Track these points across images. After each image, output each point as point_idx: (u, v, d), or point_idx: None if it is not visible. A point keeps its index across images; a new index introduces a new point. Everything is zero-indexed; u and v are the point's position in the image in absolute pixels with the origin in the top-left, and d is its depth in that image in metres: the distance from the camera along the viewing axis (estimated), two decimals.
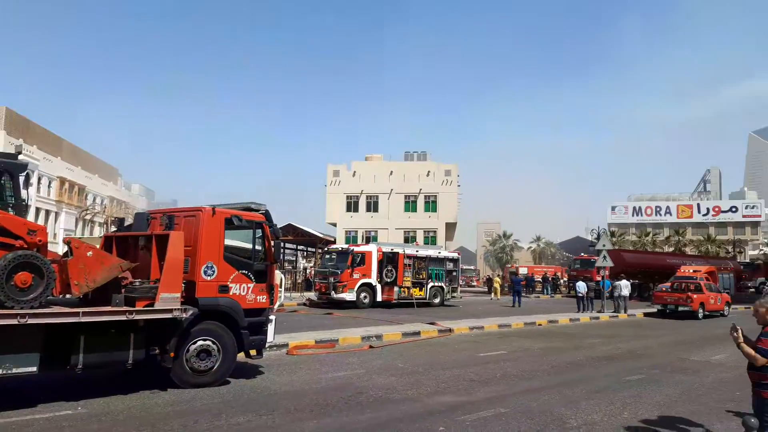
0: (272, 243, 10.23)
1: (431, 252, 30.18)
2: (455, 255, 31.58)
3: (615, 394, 9.70)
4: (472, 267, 77.74)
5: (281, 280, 11.37)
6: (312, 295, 29.34)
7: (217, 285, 9.35)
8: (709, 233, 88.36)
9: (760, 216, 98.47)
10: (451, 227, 54.64)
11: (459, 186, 53.24)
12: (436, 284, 29.32)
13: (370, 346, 14.57)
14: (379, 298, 27.05)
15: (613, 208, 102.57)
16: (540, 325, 21.65)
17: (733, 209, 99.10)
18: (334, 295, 26.09)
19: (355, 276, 26.45)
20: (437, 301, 29.24)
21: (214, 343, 9.23)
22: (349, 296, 26.10)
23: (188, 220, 9.56)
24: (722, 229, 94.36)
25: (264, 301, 10.06)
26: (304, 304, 27.63)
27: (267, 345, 10.64)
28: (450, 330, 18.06)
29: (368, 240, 44.87)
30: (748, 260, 63.22)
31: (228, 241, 9.58)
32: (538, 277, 51.66)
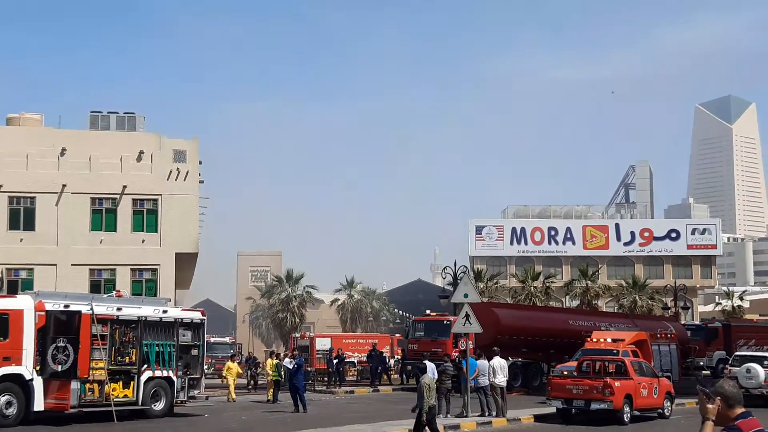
0: None
1: (148, 311, 19.29)
2: (197, 316, 20.81)
3: None
4: (227, 338, 51.07)
5: None
6: None
7: None
8: (635, 274, 56.39)
9: (715, 247, 65.11)
10: (188, 261, 33.11)
11: (202, 182, 31.68)
12: (159, 374, 18.92)
13: None
14: (39, 407, 16.82)
15: (479, 230, 66.81)
16: None
17: (674, 234, 65.65)
18: None
19: None
20: (160, 407, 18.98)
21: None
22: None
23: None
24: (656, 267, 63.85)
25: None
26: None
27: None
28: None
29: (16, 286, 27.66)
30: (697, 321, 44.77)
31: None
32: (351, 356, 35.59)
